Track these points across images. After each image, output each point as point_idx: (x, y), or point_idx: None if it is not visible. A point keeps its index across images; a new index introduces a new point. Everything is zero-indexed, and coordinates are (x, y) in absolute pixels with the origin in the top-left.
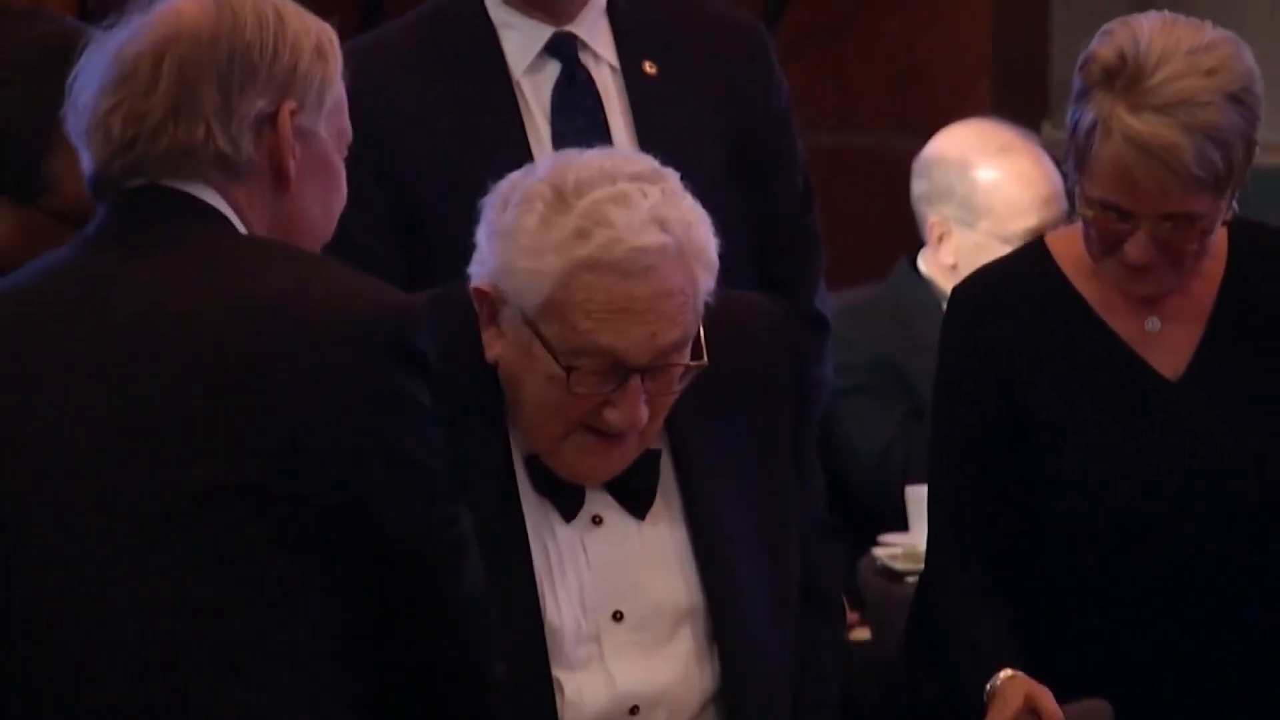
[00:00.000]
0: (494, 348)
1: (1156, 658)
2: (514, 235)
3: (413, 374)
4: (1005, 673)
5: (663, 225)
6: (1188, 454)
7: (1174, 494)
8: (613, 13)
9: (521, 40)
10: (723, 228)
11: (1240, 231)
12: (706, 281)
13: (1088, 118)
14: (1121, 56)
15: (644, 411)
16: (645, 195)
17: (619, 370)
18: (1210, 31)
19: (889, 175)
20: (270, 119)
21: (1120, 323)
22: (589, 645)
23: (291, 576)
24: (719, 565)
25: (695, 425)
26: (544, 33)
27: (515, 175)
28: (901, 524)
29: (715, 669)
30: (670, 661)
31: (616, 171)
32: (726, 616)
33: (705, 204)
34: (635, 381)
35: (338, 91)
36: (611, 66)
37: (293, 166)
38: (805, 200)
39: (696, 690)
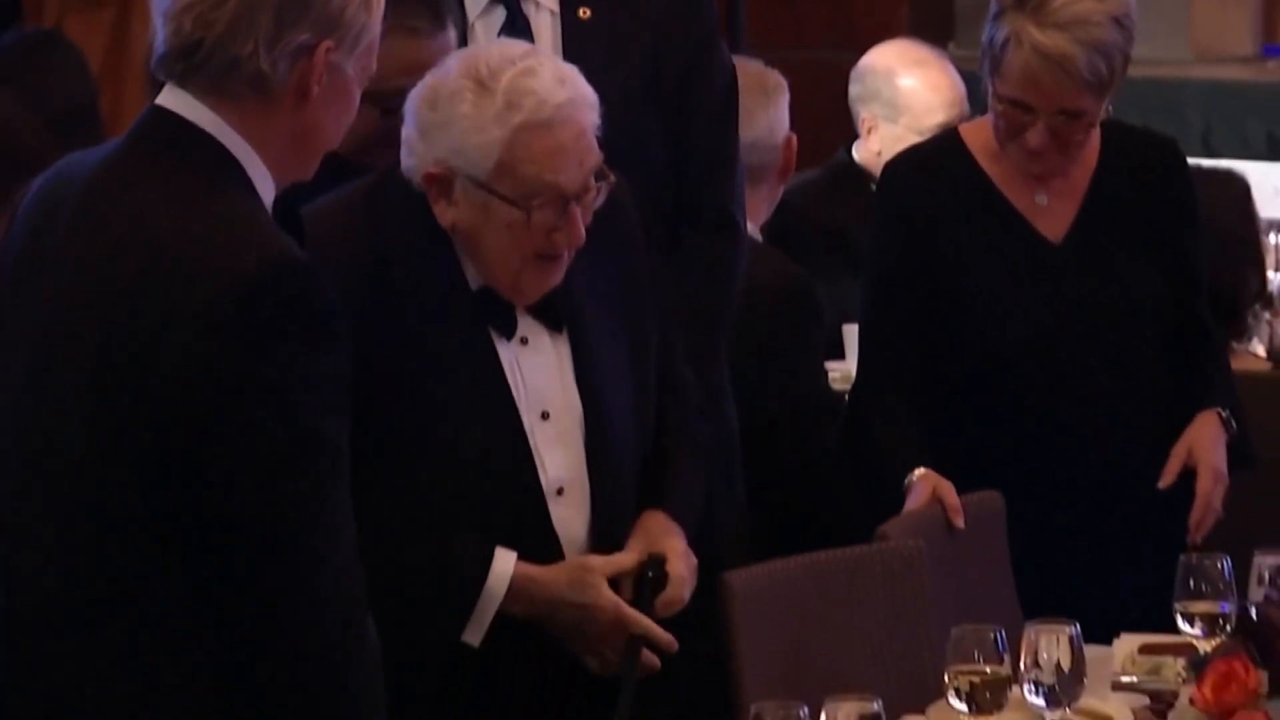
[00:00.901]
0: (446, 216)
1: (1037, 460)
2: (454, 122)
3: (291, 312)
4: (918, 471)
5: (562, 82)
6: (1066, 298)
7: (1054, 329)
8: None
9: None
10: (640, 148)
11: (1110, 129)
12: (594, 118)
13: (1001, 34)
14: None
15: (582, 231)
16: (541, 64)
17: (562, 201)
18: None
19: (831, 82)
20: (308, 50)
21: (1015, 196)
22: (529, 440)
23: (161, 524)
24: (590, 377)
25: (577, 264)
26: None
27: (428, 79)
28: (840, 354)
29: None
30: (581, 452)
31: (511, 54)
32: (594, 419)
33: (621, 128)
34: (574, 207)
35: (372, 36)
36: (551, 12)
37: (314, 91)
38: (722, 115)
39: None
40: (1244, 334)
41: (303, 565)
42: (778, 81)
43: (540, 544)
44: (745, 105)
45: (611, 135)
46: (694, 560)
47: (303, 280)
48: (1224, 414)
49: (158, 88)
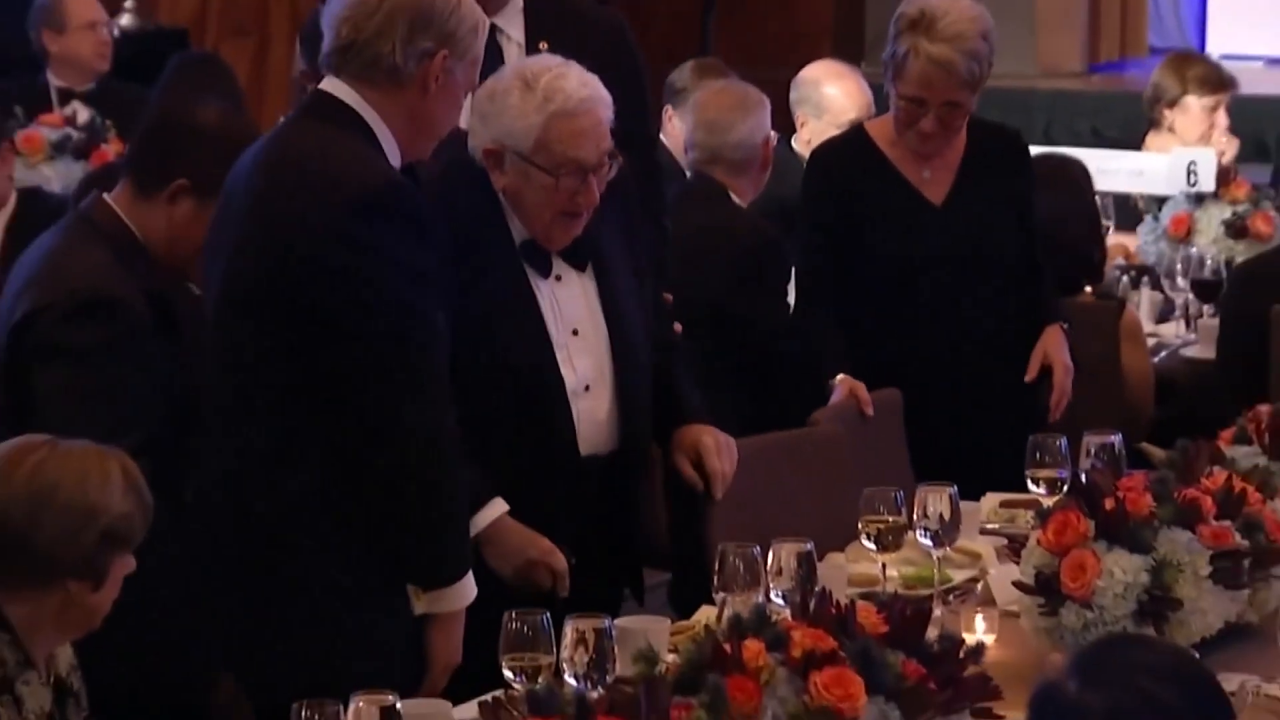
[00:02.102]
0: (499, 181)
1: (927, 364)
2: (505, 111)
3: (395, 225)
4: (839, 375)
5: (585, 85)
6: (945, 246)
7: (936, 268)
8: (527, 9)
9: None
10: None
11: (974, 124)
12: (608, 113)
13: (901, 48)
14: (921, 12)
15: (597, 196)
16: (570, 71)
17: (583, 172)
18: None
19: (776, 92)
20: (430, 55)
21: (907, 172)
22: (563, 350)
23: (284, 349)
24: (612, 302)
25: (595, 220)
26: None
27: (487, 83)
28: None
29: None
30: (604, 360)
31: (549, 63)
32: (617, 332)
33: None
34: (591, 177)
35: (476, 54)
36: (518, 44)
37: (433, 87)
38: (648, 150)
39: (612, 378)
40: (1093, 283)
41: (401, 402)
42: (759, 98)
43: (563, 428)
44: (730, 117)
45: None
46: (724, 438)
47: (404, 195)
48: (1065, 327)
49: (299, 94)
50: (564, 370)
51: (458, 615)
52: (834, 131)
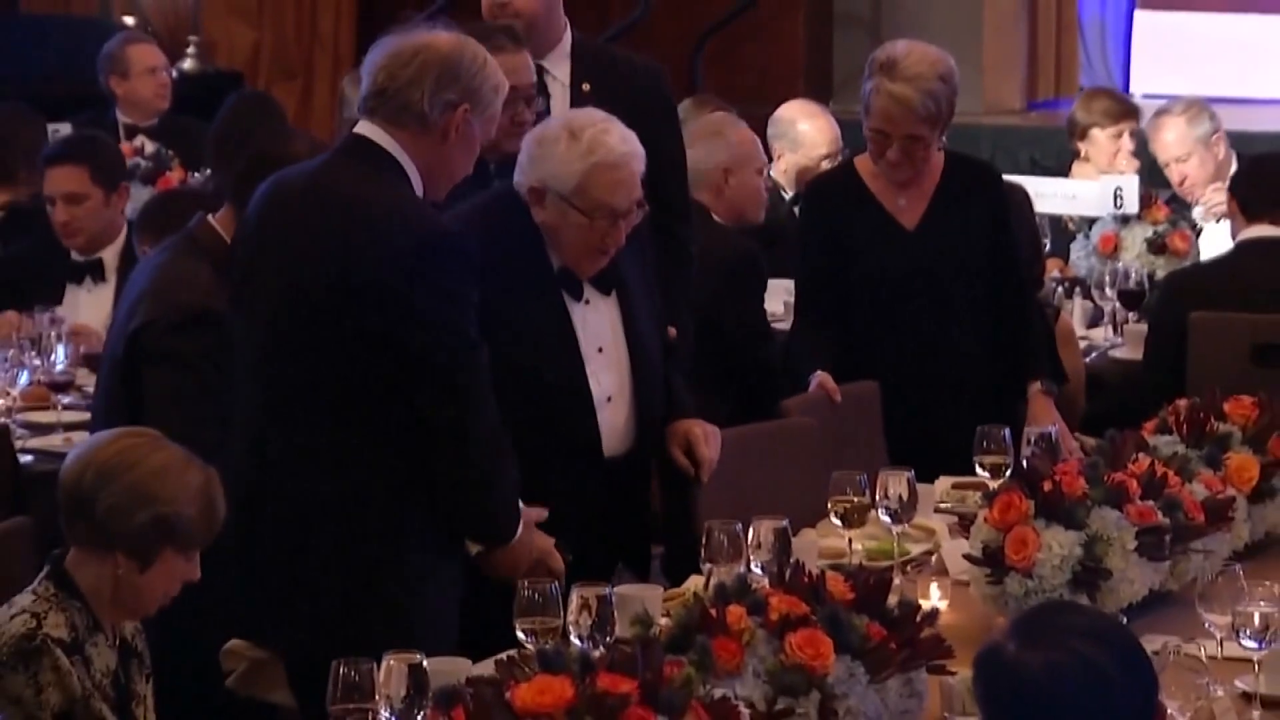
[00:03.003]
0: (539, 216)
1: (900, 367)
2: (552, 155)
3: (448, 262)
4: (819, 373)
5: (625, 141)
6: (918, 265)
7: (910, 284)
8: (573, 52)
9: None
10: None
11: (949, 154)
12: (641, 167)
13: (869, 88)
14: (888, 56)
15: (624, 237)
16: (613, 127)
17: (614, 216)
18: (928, 45)
19: (758, 127)
20: (453, 107)
21: (886, 201)
22: (590, 365)
23: (352, 360)
24: (633, 324)
25: (619, 253)
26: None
27: (538, 128)
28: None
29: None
30: (625, 375)
31: (593, 117)
32: (637, 350)
33: None
34: (621, 221)
35: (493, 110)
36: (563, 84)
37: (453, 135)
38: (679, 171)
39: (630, 390)
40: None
41: (460, 414)
42: (716, 129)
43: (589, 433)
44: (690, 144)
45: None
46: (710, 428)
47: (455, 234)
48: (1044, 384)
49: (346, 130)
50: (591, 383)
51: (512, 548)
52: (807, 163)
